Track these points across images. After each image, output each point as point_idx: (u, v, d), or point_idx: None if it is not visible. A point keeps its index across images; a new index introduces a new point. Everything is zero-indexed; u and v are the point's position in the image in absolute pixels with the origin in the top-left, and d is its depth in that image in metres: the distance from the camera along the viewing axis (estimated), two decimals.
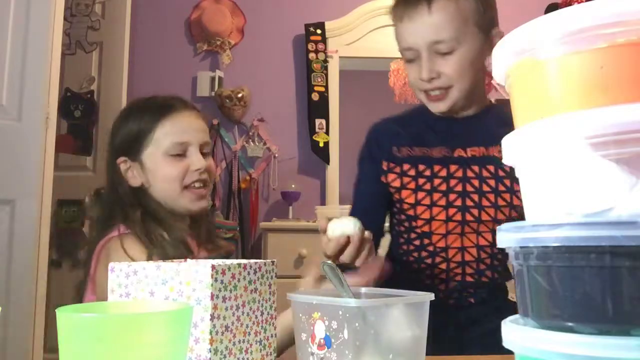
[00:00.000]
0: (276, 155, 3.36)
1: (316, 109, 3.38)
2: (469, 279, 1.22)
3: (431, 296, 0.73)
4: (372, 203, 1.29)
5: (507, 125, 1.00)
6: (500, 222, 1.17)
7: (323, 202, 3.31)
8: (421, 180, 1.21)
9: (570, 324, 0.44)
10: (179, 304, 0.58)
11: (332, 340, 0.68)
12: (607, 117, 0.43)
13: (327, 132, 3.36)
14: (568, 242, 0.43)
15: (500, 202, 1.19)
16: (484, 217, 1.19)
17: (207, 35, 3.40)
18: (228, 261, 0.74)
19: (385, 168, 1.24)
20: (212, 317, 0.64)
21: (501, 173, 1.20)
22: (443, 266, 1.21)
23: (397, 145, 1.24)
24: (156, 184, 1.15)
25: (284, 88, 3.43)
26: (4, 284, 1.96)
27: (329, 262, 0.76)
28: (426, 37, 1.12)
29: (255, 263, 0.71)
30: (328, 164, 3.36)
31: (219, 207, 3.25)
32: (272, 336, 0.73)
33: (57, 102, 2.26)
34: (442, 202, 1.19)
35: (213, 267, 0.65)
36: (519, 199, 1.17)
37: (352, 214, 1.31)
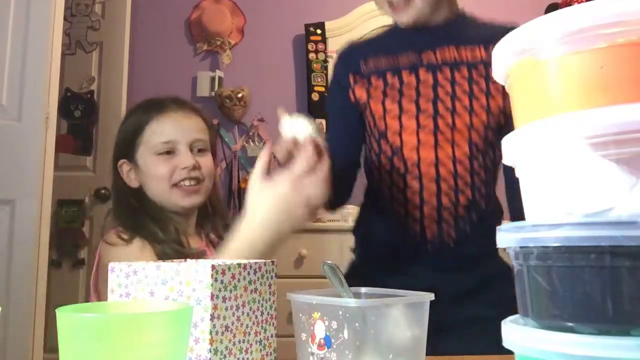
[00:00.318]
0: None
1: (316, 109, 3.37)
2: (445, 201, 1.12)
3: (431, 296, 0.73)
4: (345, 133, 1.24)
5: (481, 28, 0.99)
6: (476, 130, 1.13)
7: None
8: (389, 90, 1.16)
9: (570, 324, 0.44)
10: (179, 304, 0.58)
11: (332, 340, 0.68)
12: (607, 117, 0.43)
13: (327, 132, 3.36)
14: (568, 242, 0.43)
15: (476, 106, 1.12)
16: (458, 123, 1.12)
17: (207, 35, 3.40)
18: (228, 261, 0.74)
19: (352, 81, 1.20)
20: (212, 317, 0.64)
21: (475, 75, 1.14)
22: (415, 185, 1.14)
23: (363, 59, 1.20)
24: (148, 183, 1.16)
25: (284, 88, 3.42)
26: (4, 284, 1.95)
27: (329, 262, 0.76)
28: None
29: (255, 263, 0.71)
30: None
31: None
32: (272, 336, 0.73)
33: (57, 102, 2.26)
34: (412, 109, 1.14)
35: (213, 267, 0.65)
36: (496, 103, 1.12)
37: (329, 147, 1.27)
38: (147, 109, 1.18)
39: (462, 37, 1.17)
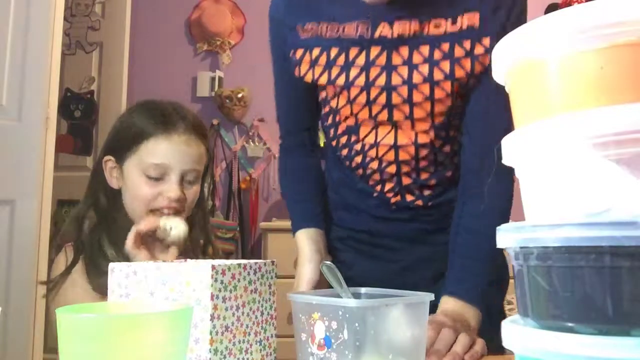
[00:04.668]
0: (276, 155, 3.35)
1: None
2: (405, 180, 1.06)
3: (431, 296, 0.73)
4: (295, 102, 1.19)
5: None
6: (438, 116, 1.01)
7: None
8: (335, 71, 1.02)
9: (570, 324, 0.44)
10: (179, 304, 0.58)
11: (332, 341, 0.67)
12: (607, 117, 0.43)
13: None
14: (568, 242, 0.43)
15: (438, 94, 0.97)
16: (418, 114, 1.00)
17: (207, 35, 3.40)
18: (228, 261, 0.74)
19: (297, 57, 1.07)
20: (212, 318, 0.64)
21: (437, 55, 0.96)
22: (374, 165, 1.07)
23: (301, 23, 1.05)
24: (127, 197, 1.11)
25: None
26: (4, 284, 1.96)
27: (328, 262, 0.76)
28: None
29: (255, 263, 0.71)
30: None
31: (219, 207, 3.26)
32: (272, 336, 0.73)
33: (57, 102, 2.26)
34: (362, 99, 1.02)
35: (213, 267, 0.65)
36: (461, 85, 0.98)
37: (280, 119, 1.27)
38: (153, 119, 1.11)
39: (428, 2, 0.97)
